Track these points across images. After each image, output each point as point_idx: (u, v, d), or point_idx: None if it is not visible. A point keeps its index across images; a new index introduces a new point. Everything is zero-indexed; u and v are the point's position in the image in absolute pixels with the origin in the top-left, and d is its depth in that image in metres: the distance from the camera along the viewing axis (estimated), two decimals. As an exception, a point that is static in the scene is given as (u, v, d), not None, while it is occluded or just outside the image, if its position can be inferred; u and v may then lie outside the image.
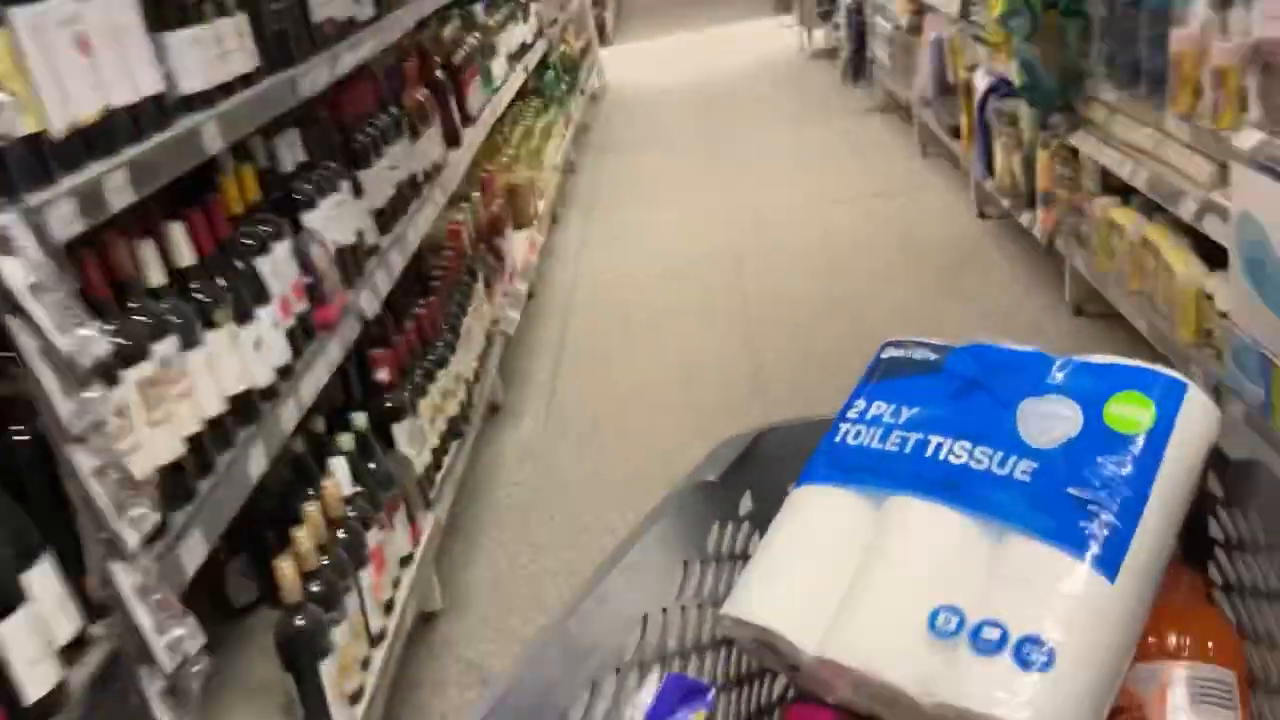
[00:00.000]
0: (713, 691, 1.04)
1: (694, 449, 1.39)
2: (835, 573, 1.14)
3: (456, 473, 3.33)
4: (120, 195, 1.78)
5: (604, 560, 1.16)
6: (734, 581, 1.24)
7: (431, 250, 3.91)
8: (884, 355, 1.27)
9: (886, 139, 7.25)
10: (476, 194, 4.45)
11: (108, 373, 1.73)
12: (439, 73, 4.41)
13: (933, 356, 1.23)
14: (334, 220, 2.85)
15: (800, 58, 10.45)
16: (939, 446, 1.13)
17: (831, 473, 1.20)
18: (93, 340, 1.49)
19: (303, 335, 2.53)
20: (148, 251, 1.98)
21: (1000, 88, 4.71)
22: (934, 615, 1.05)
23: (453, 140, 4.44)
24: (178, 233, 2.07)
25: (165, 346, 1.92)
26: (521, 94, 6.62)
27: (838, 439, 1.22)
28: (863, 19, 7.58)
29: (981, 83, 4.88)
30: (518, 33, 6.44)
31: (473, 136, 4.69)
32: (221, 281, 2.20)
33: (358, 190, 3.12)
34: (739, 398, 4.06)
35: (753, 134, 7.97)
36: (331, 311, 2.67)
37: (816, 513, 1.19)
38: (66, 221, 1.61)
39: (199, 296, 2.10)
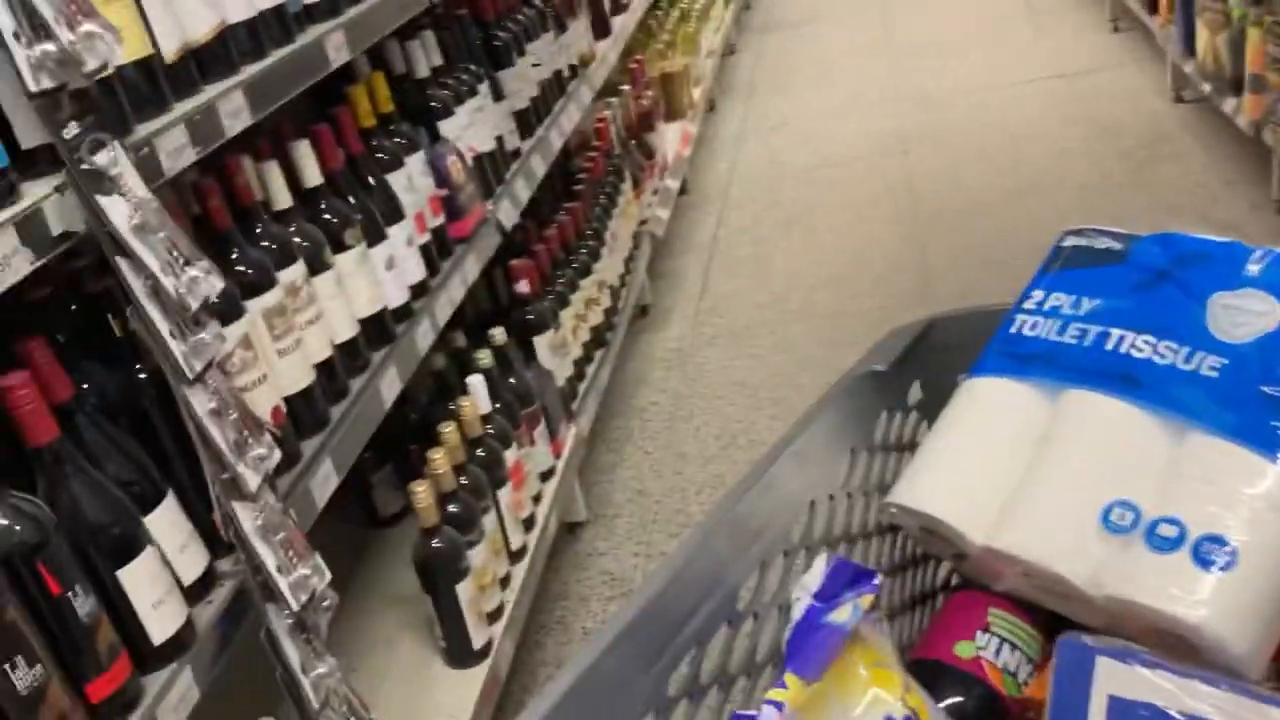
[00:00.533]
0: (878, 576, 1.03)
1: (851, 356, 1.31)
2: (1007, 464, 1.13)
3: (601, 382, 3.26)
4: (237, 119, 1.72)
5: (773, 445, 1.15)
6: (901, 470, 1.24)
7: (577, 148, 3.79)
8: (1064, 244, 1.23)
9: (1073, 11, 6.66)
10: (626, 87, 4.28)
11: (231, 304, 1.70)
12: (586, -38, 4.22)
13: (1117, 246, 1.18)
14: (472, 127, 2.75)
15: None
16: (1121, 340, 1.10)
17: (1006, 364, 1.17)
18: (202, 281, 1.44)
19: (438, 250, 2.47)
20: (272, 173, 1.92)
21: (1208, -45, 4.20)
22: (1108, 510, 1.04)
23: (602, 31, 4.27)
24: (304, 152, 2.01)
25: (291, 273, 1.87)
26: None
27: (1013, 330, 1.19)
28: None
29: (1186, -51, 4.37)
30: (675, -91, 6.14)
31: (624, 24, 4.50)
32: (352, 200, 2.14)
33: (498, 92, 3.01)
34: (903, 301, 3.84)
35: (926, 6, 7.46)
36: (469, 224, 2.59)
37: (989, 404, 1.17)
38: (179, 151, 1.56)
39: (327, 218, 2.05)
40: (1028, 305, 1.20)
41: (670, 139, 4.94)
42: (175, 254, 1.42)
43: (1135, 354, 1.08)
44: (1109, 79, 5.49)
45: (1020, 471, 1.13)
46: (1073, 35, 6.24)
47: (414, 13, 2.43)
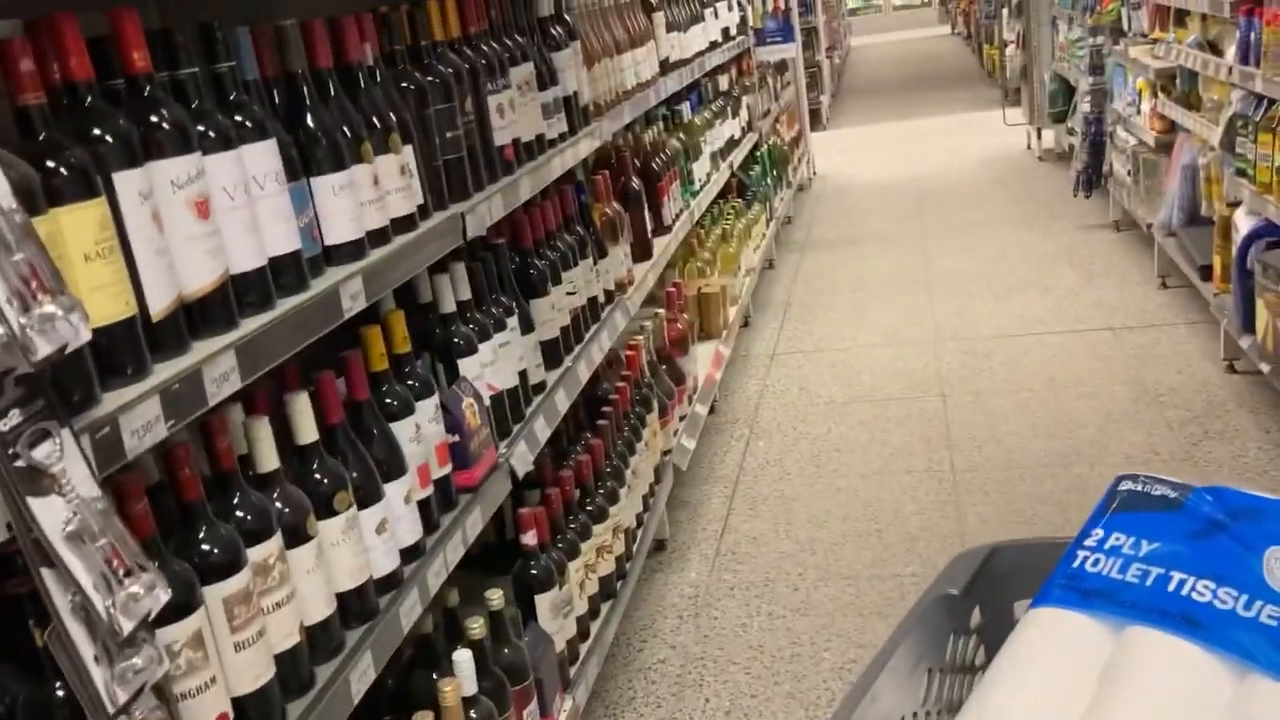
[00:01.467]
0: None
1: (881, 630, 1.28)
2: (1071, 694, 1.16)
3: (606, 640, 2.99)
4: (225, 383, 1.53)
5: (872, 660, 1.23)
6: (967, 693, 1.27)
7: (605, 370, 3.62)
8: (1120, 488, 1.28)
9: (1119, 262, 6.60)
10: (661, 311, 4.16)
11: (186, 593, 1.48)
12: (634, 182, 4.16)
13: (1172, 495, 1.24)
14: (496, 364, 2.58)
15: (1026, 158, 9.83)
16: (1181, 583, 1.15)
17: (1069, 596, 1.21)
18: (143, 597, 1.22)
19: (440, 503, 2.25)
20: (261, 432, 1.73)
21: (1267, 233, 4.10)
22: None
23: (643, 253, 4.17)
24: (300, 408, 1.83)
25: (265, 549, 1.66)
26: (725, 191, 6.35)
27: (1075, 565, 1.23)
28: (1102, 129, 6.98)
29: (1244, 224, 4.28)
30: (726, 129, 6.19)
31: (666, 246, 4.41)
32: (349, 456, 1.94)
33: (527, 323, 2.85)
34: (937, 569, 3.57)
35: (967, 239, 7.45)
36: (478, 472, 2.39)
37: (1054, 634, 1.21)
38: (148, 427, 1.36)
39: (318, 478, 1.84)
40: (1088, 542, 1.25)
41: (702, 360, 4.79)
42: (114, 565, 1.21)
43: (1197, 598, 1.13)
44: (1158, 338, 5.34)
45: (1084, 704, 1.15)
46: (1119, 286, 6.14)
47: (444, 252, 2.29)
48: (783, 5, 7.85)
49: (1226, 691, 1.08)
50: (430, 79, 2.38)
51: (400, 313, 2.21)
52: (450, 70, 2.46)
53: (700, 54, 5.66)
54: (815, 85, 12.96)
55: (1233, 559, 1.15)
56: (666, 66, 4.88)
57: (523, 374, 2.77)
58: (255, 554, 1.64)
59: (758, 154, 7.34)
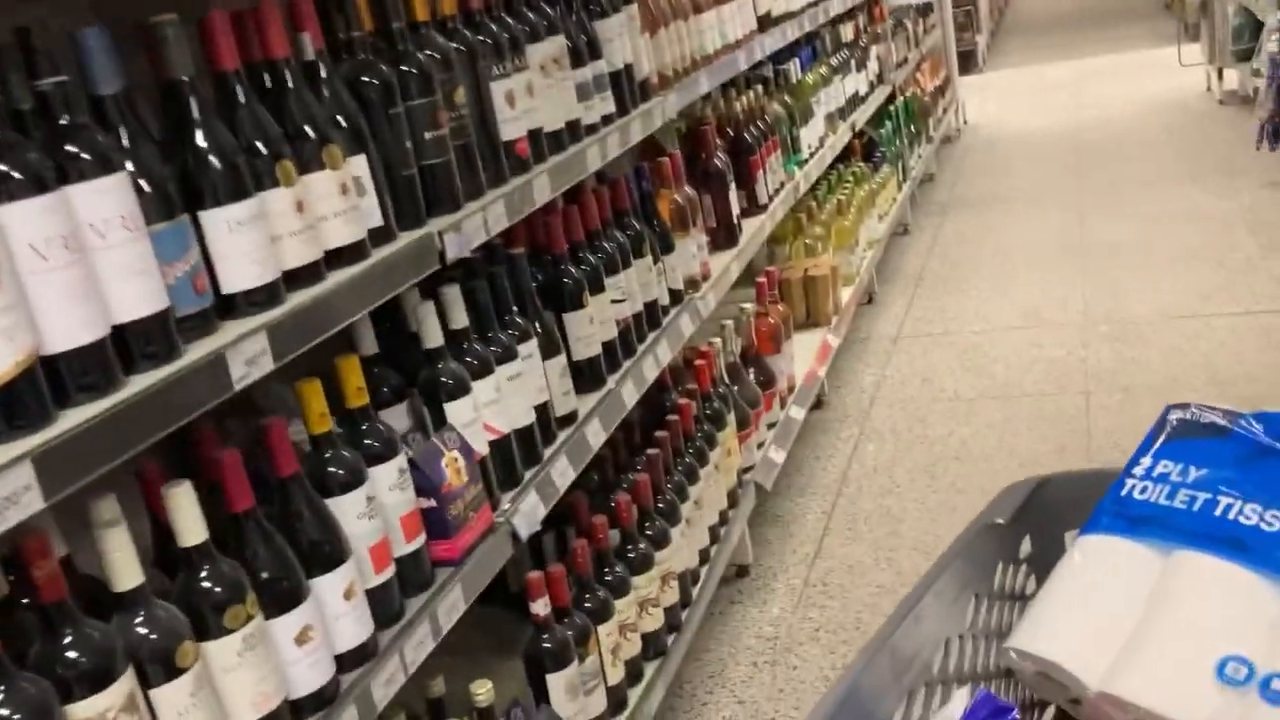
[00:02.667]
0: (1016, 711, 1.12)
1: None
2: (1120, 616, 1.20)
3: (649, 710, 2.58)
4: (17, 506, 1.18)
5: (915, 586, 1.29)
6: (1015, 620, 1.33)
7: (671, 381, 3.19)
8: (1170, 417, 1.29)
9: (1310, 224, 5.74)
10: (748, 306, 3.68)
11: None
12: (718, 159, 3.67)
13: (1222, 421, 1.25)
14: (499, 403, 2.19)
15: (1205, 101, 8.80)
16: (1229, 507, 1.17)
17: (1118, 524, 1.24)
18: None
19: (405, 588, 1.88)
20: (113, 543, 1.38)
21: None
22: (1222, 664, 1.11)
23: (727, 240, 3.70)
24: (181, 503, 1.47)
25: (103, 700, 1.31)
26: (846, 153, 5.76)
27: (1124, 492, 1.25)
28: (1291, 72, 6.06)
29: None
30: (847, 84, 5.59)
31: (758, 228, 3.92)
32: (260, 550, 1.58)
33: (552, 345, 2.44)
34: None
35: (1130, 197, 6.63)
36: (463, 542, 2.00)
37: (1103, 560, 1.23)
38: None
39: (205, 588, 1.49)
40: (1137, 470, 1.26)
41: (804, 353, 4.29)
42: None
43: (1243, 521, 1.15)
44: (1351, 323, 4.56)
45: (1134, 624, 1.18)
46: (1306, 257, 5.31)
47: (408, 283, 1.89)
48: None
49: (1273, 610, 1.11)
50: (402, 69, 1.97)
51: (352, 359, 1.83)
52: (431, 57, 2.05)
53: (815, 3, 5.08)
54: (970, 25, 12.02)
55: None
56: (767, 22, 4.34)
57: (542, 407, 2.36)
58: (88, 707, 1.29)
59: (891, 108, 6.69)
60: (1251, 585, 1.13)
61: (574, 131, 2.59)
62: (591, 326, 2.62)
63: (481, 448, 2.11)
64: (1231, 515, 1.16)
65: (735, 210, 3.77)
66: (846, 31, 5.81)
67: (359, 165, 1.82)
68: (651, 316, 2.97)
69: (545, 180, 2.37)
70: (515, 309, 2.36)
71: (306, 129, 1.71)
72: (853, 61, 5.73)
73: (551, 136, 2.49)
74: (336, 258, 1.75)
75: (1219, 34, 8.40)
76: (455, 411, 2.07)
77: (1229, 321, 4.75)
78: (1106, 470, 1.32)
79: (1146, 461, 1.26)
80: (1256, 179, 6.58)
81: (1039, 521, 1.38)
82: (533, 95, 2.38)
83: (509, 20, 2.35)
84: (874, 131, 6.46)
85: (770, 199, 4.15)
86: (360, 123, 1.84)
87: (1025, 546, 1.38)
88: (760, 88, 4.41)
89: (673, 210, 3.22)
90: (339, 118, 1.80)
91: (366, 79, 1.91)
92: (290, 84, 1.72)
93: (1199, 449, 1.24)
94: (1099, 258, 5.78)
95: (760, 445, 3.59)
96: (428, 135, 2.01)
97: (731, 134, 4.04)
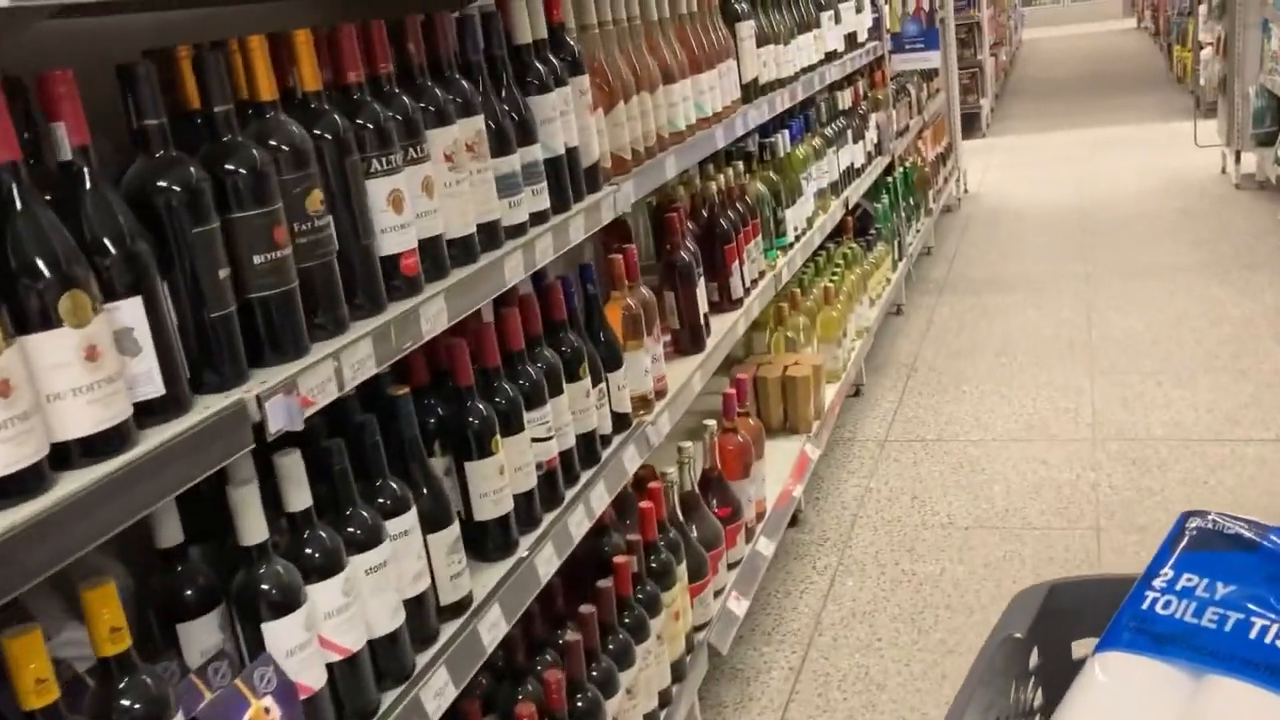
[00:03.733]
0: None
1: None
2: None
3: None
4: None
5: (949, 713, 1.18)
6: None
7: (607, 515, 2.64)
8: (1188, 526, 1.22)
9: (1341, 333, 5.24)
10: (711, 423, 3.13)
11: None
12: (684, 250, 3.15)
13: (1248, 534, 1.17)
14: (351, 608, 1.63)
15: (1220, 184, 8.34)
16: (1265, 629, 1.08)
17: (1141, 640, 1.15)
18: None
19: None
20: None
21: None
22: None
23: (692, 344, 3.16)
24: None
25: None
26: (839, 230, 5.25)
27: (1145, 606, 1.17)
28: (1325, 165, 5.59)
29: None
30: (842, 157, 5.09)
31: (730, 326, 3.39)
32: None
33: (442, 510, 1.90)
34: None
35: (1142, 290, 6.14)
36: (273, 820, 1.44)
37: (1126, 680, 1.13)
38: None
39: None
40: (1157, 583, 1.18)
41: (777, 467, 3.75)
42: None
43: None
44: (1397, 461, 4.04)
45: None
46: (1341, 375, 4.80)
47: (188, 482, 1.34)
48: (925, 4, 6.64)
49: None
50: (226, 168, 1.44)
51: (104, 589, 1.28)
52: (274, 149, 1.51)
53: (810, 69, 4.58)
54: (975, 88, 11.62)
55: None
56: (753, 91, 3.84)
57: (418, 600, 1.81)
58: None
59: (889, 180, 6.20)
60: None
61: (491, 236, 2.05)
62: (502, 478, 2.08)
63: (315, 679, 1.56)
64: (1269, 639, 1.07)
65: (703, 308, 3.24)
66: (845, 98, 5.32)
67: (129, 312, 1.28)
68: (587, 451, 2.43)
69: (440, 304, 1.83)
70: (394, 468, 1.82)
71: (39, 265, 1.17)
72: (850, 131, 5.23)
73: (458, 245, 1.95)
74: (78, 452, 1.21)
75: (1238, 115, 7.97)
76: (278, 634, 1.51)
77: (1258, 450, 4.22)
78: (1116, 577, 1.25)
79: (1168, 573, 1.19)
80: (1277, 274, 6.09)
81: (1046, 629, 1.29)
82: (431, 194, 1.85)
83: (405, 97, 1.82)
84: (869, 205, 5.96)
85: (746, 292, 3.62)
86: (141, 248, 1.30)
87: (1034, 658, 1.28)
88: (741, 164, 3.90)
89: (625, 317, 2.69)
90: (106, 242, 1.26)
91: (163, 184, 1.37)
92: (19, 200, 1.18)
93: (1225, 562, 1.16)
94: (1109, 360, 5.26)
95: (719, 593, 3.04)
96: (258, 259, 1.47)
97: (705, 217, 3.52)
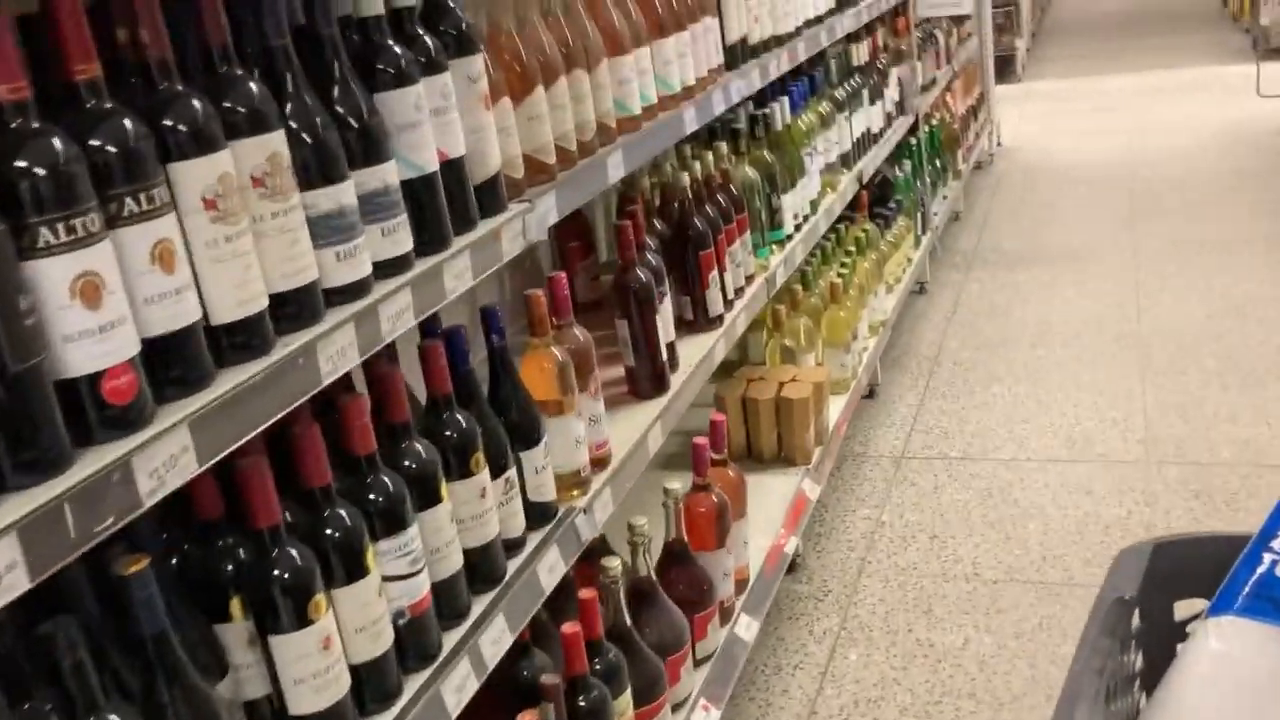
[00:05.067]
0: None
1: None
2: (1268, 713, 1.03)
3: None
4: None
5: (1065, 685, 1.13)
6: (1126, 705, 1.19)
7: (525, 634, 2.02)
8: None
9: None
10: (675, 488, 2.47)
11: None
12: (641, 271, 2.47)
13: None
14: None
15: (1283, 138, 7.53)
16: None
17: (1259, 605, 1.09)
18: None
19: None
20: None
21: None
22: None
23: (652, 387, 2.51)
24: None
25: None
26: (852, 206, 4.55)
27: (1262, 569, 1.11)
28: None
29: None
30: (857, 122, 4.37)
31: (704, 355, 2.73)
32: None
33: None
34: None
35: (1198, 268, 5.41)
36: None
37: (1243, 648, 1.07)
38: None
39: None
40: (1276, 544, 1.12)
41: (764, 518, 3.10)
42: None
43: None
44: None
45: None
46: None
47: None
48: None
49: None
50: None
51: None
52: None
53: (817, 20, 3.85)
54: (1010, 28, 10.73)
55: None
56: (742, 53, 3.13)
57: None
58: None
59: (912, 142, 5.46)
60: None
61: (301, 308, 1.40)
62: (328, 653, 1.45)
63: None
64: None
65: (668, 337, 2.58)
66: (860, 52, 4.58)
67: None
68: (484, 570, 1.80)
69: (181, 440, 1.18)
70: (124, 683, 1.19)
71: None
72: (865, 91, 4.50)
73: (238, 330, 1.30)
74: None
75: (1307, 62, 7.12)
76: None
77: (1347, 480, 3.54)
78: (1226, 535, 1.19)
79: None
80: (1358, 253, 5.34)
81: (1148, 591, 1.22)
82: (172, 267, 1.19)
83: (124, 118, 1.16)
84: (890, 171, 5.24)
85: (729, 305, 2.96)
86: None
87: (1135, 620, 1.21)
88: (726, 145, 3.20)
89: (549, 373, 2.03)
90: None
91: None
92: None
93: None
94: (1164, 355, 4.56)
95: (680, 706, 2.41)
96: None
97: (676, 217, 2.85)
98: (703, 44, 2.84)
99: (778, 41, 3.43)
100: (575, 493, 2.10)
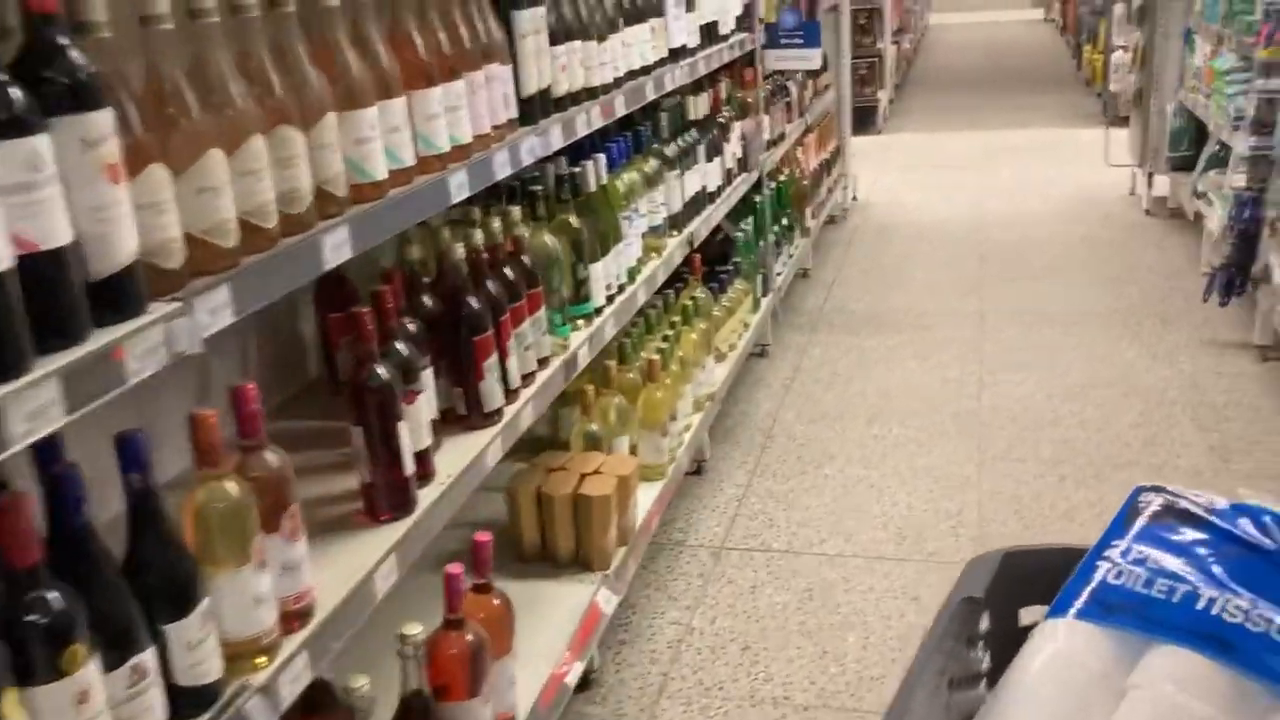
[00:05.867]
0: None
1: None
2: (1092, 709, 1.10)
3: None
4: None
5: (908, 670, 1.18)
6: (970, 703, 1.26)
7: None
8: (1140, 500, 1.24)
9: (1271, 406, 4.39)
10: (413, 634, 2.05)
11: None
12: (384, 366, 2.05)
13: (1198, 511, 1.20)
14: None
15: (1129, 208, 7.54)
16: (1211, 601, 1.11)
17: (1090, 609, 1.17)
18: None
19: None
20: None
21: None
22: None
23: (392, 503, 2.09)
24: None
25: None
26: (684, 269, 4.21)
27: (1096, 575, 1.20)
28: (1260, 214, 4.73)
29: None
30: (689, 181, 4.04)
31: (473, 459, 2.32)
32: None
33: None
34: None
35: (1041, 342, 5.26)
36: None
37: (1074, 648, 1.15)
38: None
39: None
40: (1110, 554, 1.20)
41: (544, 642, 2.70)
42: None
43: (1227, 618, 1.08)
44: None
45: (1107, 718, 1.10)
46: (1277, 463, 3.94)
47: None
48: None
49: (1260, 715, 1.04)
50: None
51: None
52: None
53: (644, 71, 3.51)
54: (873, 79, 10.70)
55: (1267, 579, 1.09)
56: (542, 106, 2.75)
57: None
58: None
59: (757, 200, 5.17)
60: (1236, 687, 1.04)
61: None
62: None
63: None
64: (1215, 611, 1.09)
65: (419, 443, 2.16)
66: (699, 105, 4.26)
67: None
68: (88, 796, 1.34)
69: None
70: None
71: None
72: (702, 147, 4.18)
73: None
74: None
75: (1153, 136, 7.15)
76: None
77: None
78: (1068, 548, 1.26)
79: (1120, 544, 1.20)
80: (1197, 334, 5.26)
81: (997, 595, 1.30)
82: None
83: None
84: (732, 228, 4.94)
85: (512, 396, 2.56)
86: None
87: (984, 622, 1.30)
88: (521, 209, 2.81)
89: (218, 518, 1.59)
90: None
91: None
92: None
93: (1175, 536, 1.17)
94: (1002, 440, 4.34)
95: None
96: None
97: (449, 294, 2.44)
98: (486, 96, 2.45)
99: (590, 94, 3.06)
100: (260, 661, 1.66)
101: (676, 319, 3.80)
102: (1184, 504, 1.22)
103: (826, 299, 6.15)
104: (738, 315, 4.62)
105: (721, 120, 4.55)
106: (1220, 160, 5.87)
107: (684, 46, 3.93)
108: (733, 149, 4.68)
